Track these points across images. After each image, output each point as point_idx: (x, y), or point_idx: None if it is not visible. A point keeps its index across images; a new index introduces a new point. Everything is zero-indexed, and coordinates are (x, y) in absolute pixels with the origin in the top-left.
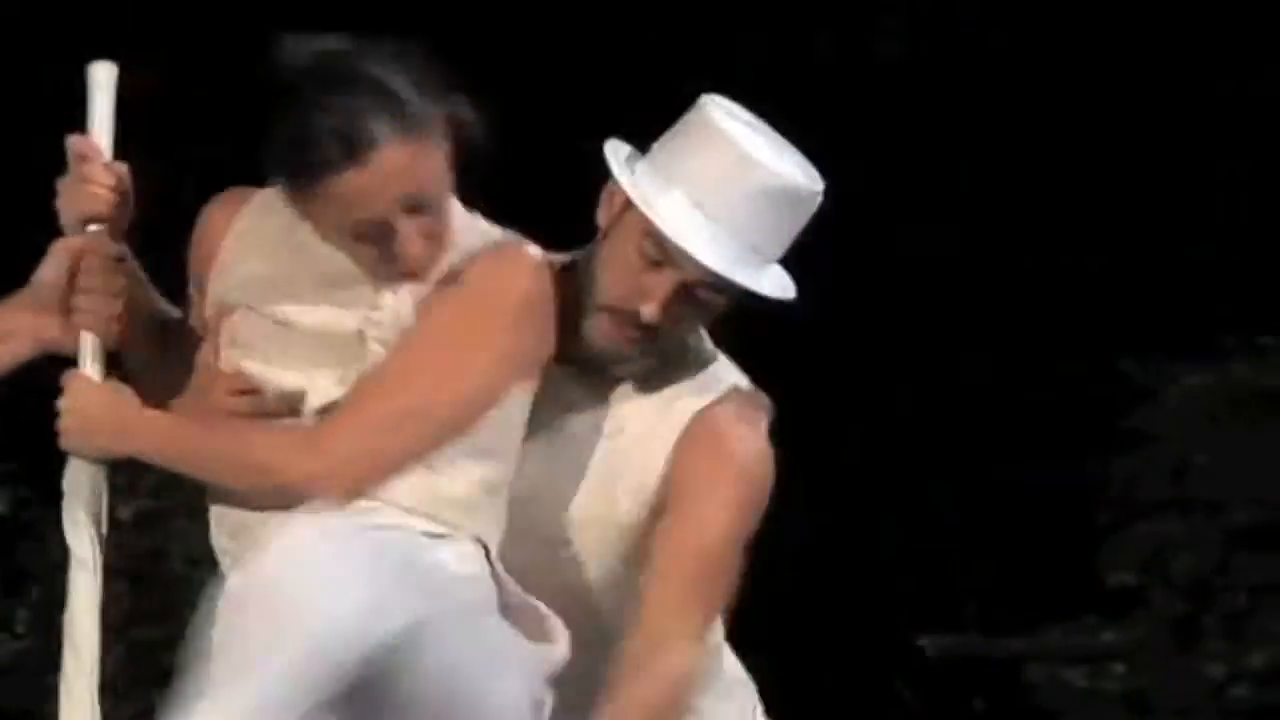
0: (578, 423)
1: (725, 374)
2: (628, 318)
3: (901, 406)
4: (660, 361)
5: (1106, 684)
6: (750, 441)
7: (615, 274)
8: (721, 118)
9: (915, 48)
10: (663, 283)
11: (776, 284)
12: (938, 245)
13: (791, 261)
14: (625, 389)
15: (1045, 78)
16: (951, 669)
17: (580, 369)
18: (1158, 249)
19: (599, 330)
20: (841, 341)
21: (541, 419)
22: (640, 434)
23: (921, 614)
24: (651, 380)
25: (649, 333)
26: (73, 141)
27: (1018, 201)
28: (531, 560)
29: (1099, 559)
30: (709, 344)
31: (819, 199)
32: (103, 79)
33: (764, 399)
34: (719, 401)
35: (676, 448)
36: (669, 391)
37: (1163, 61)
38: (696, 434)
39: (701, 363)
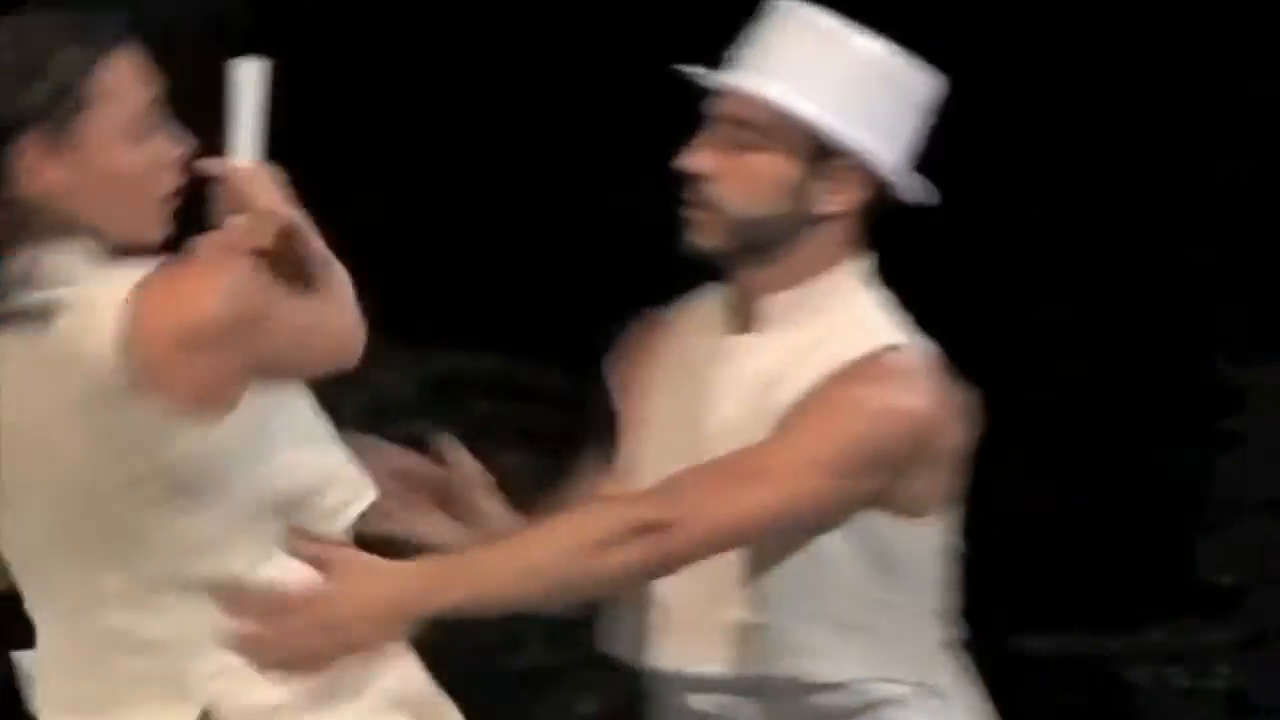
0: (737, 369)
1: (883, 330)
2: (684, 187)
3: (997, 405)
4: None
5: (1210, 684)
6: (881, 390)
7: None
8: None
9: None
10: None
11: (832, 118)
12: (1035, 239)
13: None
14: (780, 342)
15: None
16: (1053, 669)
17: (736, 323)
18: (1259, 243)
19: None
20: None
21: (708, 372)
22: (793, 380)
23: (1022, 614)
24: (804, 332)
25: (699, 193)
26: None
27: (1117, 196)
28: None
29: (1201, 558)
30: (869, 298)
31: (888, 60)
32: (251, 78)
33: (928, 360)
34: (866, 356)
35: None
36: (816, 340)
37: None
38: (828, 376)
39: (856, 315)
